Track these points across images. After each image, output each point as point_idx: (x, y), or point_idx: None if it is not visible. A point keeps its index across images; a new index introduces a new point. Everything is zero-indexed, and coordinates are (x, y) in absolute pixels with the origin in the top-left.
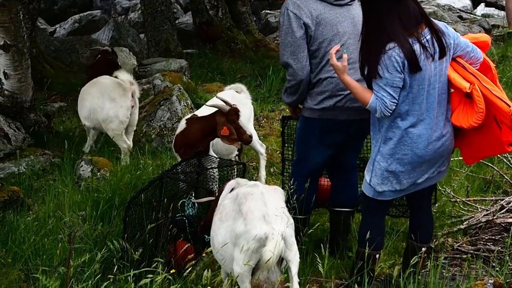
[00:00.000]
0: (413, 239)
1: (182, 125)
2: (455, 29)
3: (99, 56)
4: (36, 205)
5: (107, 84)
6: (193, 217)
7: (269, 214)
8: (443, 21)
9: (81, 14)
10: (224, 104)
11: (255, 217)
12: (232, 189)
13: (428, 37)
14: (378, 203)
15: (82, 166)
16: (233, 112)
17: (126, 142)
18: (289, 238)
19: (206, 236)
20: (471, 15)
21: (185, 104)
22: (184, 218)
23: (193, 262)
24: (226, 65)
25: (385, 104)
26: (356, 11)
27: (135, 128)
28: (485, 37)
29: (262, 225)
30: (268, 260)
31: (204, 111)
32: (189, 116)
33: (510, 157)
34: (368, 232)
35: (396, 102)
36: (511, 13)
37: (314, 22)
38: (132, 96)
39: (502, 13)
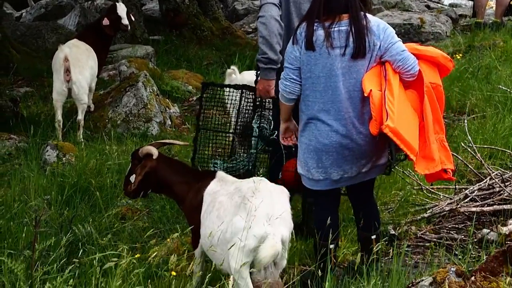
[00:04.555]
0: (361, 228)
1: None
2: (421, 19)
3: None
4: (2, 189)
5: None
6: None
7: (274, 215)
8: (410, 11)
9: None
10: None
11: (259, 215)
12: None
13: (343, 28)
14: (318, 194)
15: (47, 151)
16: None
17: (56, 116)
18: (286, 243)
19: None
20: (439, 5)
21: (151, 91)
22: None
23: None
24: (192, 52)
25: (284, 83)
26: None
27: (82, 102)
28: (443, 58)
29: (264, 224)
30: (261, 260)
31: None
32: None
33: (475, 146)
34: (319, 223)
35: (293, 81)
36: (481, 4)
37: None
38: (67, 72)
39: (470, 3)
